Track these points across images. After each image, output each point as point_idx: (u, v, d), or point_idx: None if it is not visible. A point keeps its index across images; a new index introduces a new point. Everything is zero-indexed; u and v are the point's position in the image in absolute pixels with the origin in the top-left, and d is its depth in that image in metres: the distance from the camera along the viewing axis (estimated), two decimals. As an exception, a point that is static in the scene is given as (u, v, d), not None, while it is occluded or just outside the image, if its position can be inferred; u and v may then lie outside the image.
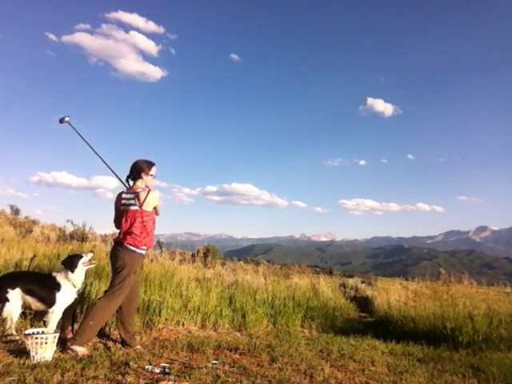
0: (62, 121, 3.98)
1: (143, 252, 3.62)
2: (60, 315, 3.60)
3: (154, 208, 3.66)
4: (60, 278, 3.63)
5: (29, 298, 3.49)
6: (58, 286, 3.58)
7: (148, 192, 3.57)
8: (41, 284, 3.56)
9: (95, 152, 3.86)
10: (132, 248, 3.50)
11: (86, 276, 3.95)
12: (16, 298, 3.42)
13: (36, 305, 3.54)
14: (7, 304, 3.38)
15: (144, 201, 3.53)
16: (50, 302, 3.53)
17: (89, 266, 3.82)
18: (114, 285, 3.49)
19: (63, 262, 3.75)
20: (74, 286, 3.68)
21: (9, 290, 3.40)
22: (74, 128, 3.91)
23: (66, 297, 3.61)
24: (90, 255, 3.86)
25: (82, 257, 3.78)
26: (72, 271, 3.65)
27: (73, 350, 3.22)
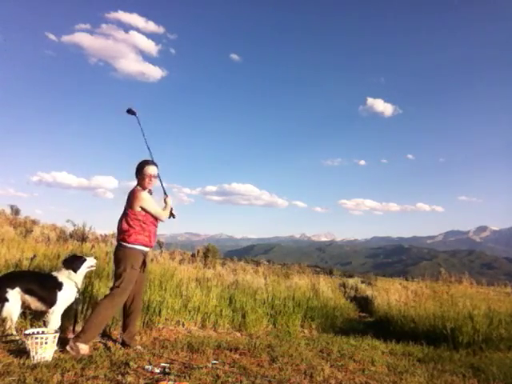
0: (131, 112, 3.95)
1: (136, 247, 3.62)
2: (60, 315, 3.59)
3: (144, 209, 3.66)
4: (62, 277, 3.64)
5: (28, 298, 3.49)
6: (59, 286, 3.58)
7: (132, 192, 3.70)
8: (41, 284, 3.55)
9: (149, 149, 3.92)
10: (123, 244, 3.61)
11: (85, 276, 3.97)
12: (15, 297, 3.42)
13: (36, 304, 3.54)
14: (6, 304, 3.38)
15: (128, 200, 3.69)
16: (50, 301, 3.52)
17: (90, 269, 3.91)
18: (114, 282, 3.59)
19: (65, 262, 3.76)
20: (76, 286, 3.69)
21: (8, 289, 3.40)
22: (139, 123, 3.96)
23: (66, 296, 3.61)
24: (94, 261, 3.90)
25: (85, 260, 3.80)
26: (75, 272, 3.68)
27: (76, 347, 3.24)
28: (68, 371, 2.69)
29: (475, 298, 6.91)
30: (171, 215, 3.96)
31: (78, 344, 3.26)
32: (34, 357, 2.92)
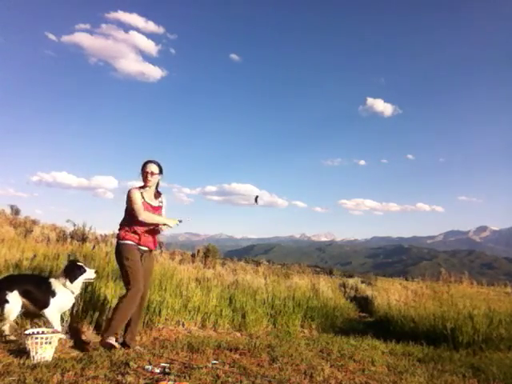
0: (256, 200, 4.42)
1: (126, 242, 3.73)
2: (57, 315, 3.61)
3: (128, 207, 3.79)
4: (56, 284, 3.64)
5: (25, 300, 3.54)
6: (52, 292, 3.59)
7: None
8: (37, 287, 3.59)
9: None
10: (117, 241, 3.83)
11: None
12: (15, 299, 3.48)
13: (31, 306, 3.59)
14: (6, 305, 3.44)
15: None
16: (43, 304, 3.56)
17: (87, 281, 3.91)
18: (122, 280, 3.75)
19: (65, 269, 3.74)
20: (72, 293, 3.70)
21: (7, 292, 3.46)
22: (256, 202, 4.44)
23: (60, 302, 3.62)
24: (94, 275, 3.86)
25: (85, 271, 3.78)
26: (71, 282, 3.67)
27: (108, 341, 3.44)
28: (68, 371, 2.69)
29: (475, 298, 6.91)
30: (156, 226, 3.86)
31: (108, 339, 3.46)
32: (33, 357, 2.92)
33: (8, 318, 3.46)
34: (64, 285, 3.64)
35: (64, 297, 3.64)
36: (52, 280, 3.68)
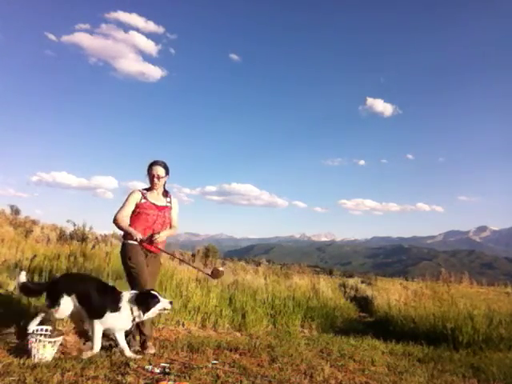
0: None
1: (130, 242, 3.73)
2: (100, 333, 3.26)
3: None
4: (126, 303, 3.24)
5: (79, 307, 3.26)
6: (115, 307, 3.21)
7: None
8: (99, 296, 3.24)
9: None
10: (122, 241, 3.86)
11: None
12: (68, 304, 3.23)
13: (83, 314, 3.31)
14: (56, 308, 3.22)
15: None
16: (96, 316, 3.20)
17: (161, 312, 3.49)
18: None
19: (136, 299, 3.26)
20: (133, 319, 3.30)
21: (64, 294, 3.21)
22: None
23: (116, 322, 3.25)
24: (169, 306, 3.40)
25: (159, 301, 3.32)
26: (143, 313, 3.25)
27: (150, 348, 3.63)
28: (68, 371, 2.69)
29: (475, 298, 6.91)
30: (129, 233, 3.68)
31: (149, 346, 3.67)
32: (34, 355, 2.92)
33: (47, 318, 3.28)
34: (132, 308, 3.24)
35: (124, 318, 3.24)
36: (124, 295, 3.28)
